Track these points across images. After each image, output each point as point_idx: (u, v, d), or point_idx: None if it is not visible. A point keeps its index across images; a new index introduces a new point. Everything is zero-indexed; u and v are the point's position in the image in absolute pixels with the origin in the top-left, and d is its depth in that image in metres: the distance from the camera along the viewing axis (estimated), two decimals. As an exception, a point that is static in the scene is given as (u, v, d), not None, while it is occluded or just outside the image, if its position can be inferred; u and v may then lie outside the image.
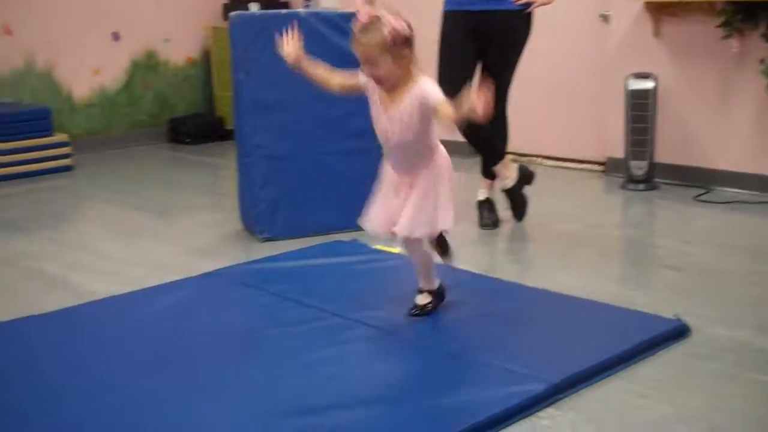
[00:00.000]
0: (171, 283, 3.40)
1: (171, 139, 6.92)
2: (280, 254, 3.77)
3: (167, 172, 5.96)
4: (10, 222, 4.57)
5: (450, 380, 2.52)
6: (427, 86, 2.69)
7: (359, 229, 4.06)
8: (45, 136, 5.73)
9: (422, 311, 3.01)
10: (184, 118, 6.96)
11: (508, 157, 4.25)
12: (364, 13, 2.69)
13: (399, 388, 2.50)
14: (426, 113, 2.70)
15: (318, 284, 3.32)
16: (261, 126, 4.06)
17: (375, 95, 2.81)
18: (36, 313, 3.12)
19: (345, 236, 4.00)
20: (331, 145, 4.13)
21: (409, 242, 2.91)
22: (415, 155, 2.80)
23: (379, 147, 4.03)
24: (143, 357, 2.71)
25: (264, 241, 4.04)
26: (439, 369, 2.61)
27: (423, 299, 3.04)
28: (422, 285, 3.05)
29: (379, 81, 2.72)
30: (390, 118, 2.77)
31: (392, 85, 2.72)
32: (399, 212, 2.83)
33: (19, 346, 2.84)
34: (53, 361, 2.71)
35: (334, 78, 2.88)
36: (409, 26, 2.67)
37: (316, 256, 3.68)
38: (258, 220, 4.10)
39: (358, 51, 2.68)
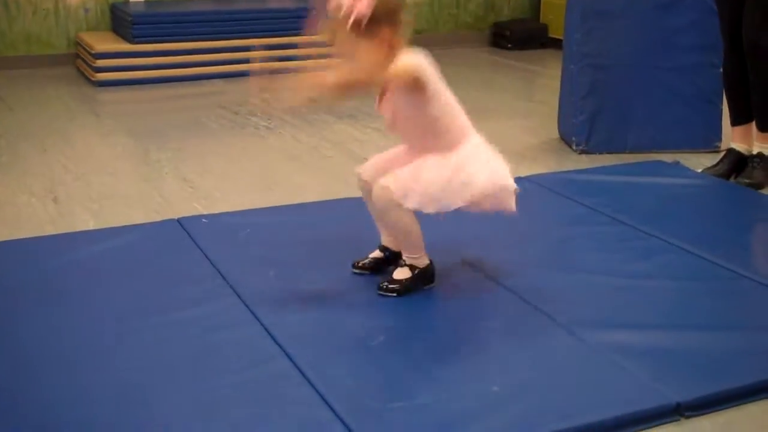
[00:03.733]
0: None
1: (493, 43, 6.91)
2: (597, 167, 3.67)
3: (486, 75, 5.98)
4: (340, 109, 4.81)
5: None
6: (401, 60, 2.24)
7: (685, 150, 3.90)
8: (376, 31, 5.94)
9: (391, 289, 2.40)
10: (508, 23, 6.90)
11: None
12: None
13: (717, 319, 2.35)
14: (410, 95, 2.28)
15: (635, 202, 3.19)
16: (592, 34, 3.93)
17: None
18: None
19: (667, 157, 3.80)
20: (663, 59, 3.91)
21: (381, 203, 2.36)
22: (423, 148, 2.38)
23: (716, 64, 3.78)
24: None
25: (579, 153, 3.95)
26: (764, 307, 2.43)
27: (400, 273, 2.43)
28: (404, 256, 2.45)
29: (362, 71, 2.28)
30: (384, 105, 2.38)
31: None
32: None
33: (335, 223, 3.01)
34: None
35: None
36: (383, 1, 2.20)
37: (635, 173, 3.53)
38: (576, 131, 4.00)
39: (336, 39, 2.27)
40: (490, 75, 5.99)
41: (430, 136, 2.36)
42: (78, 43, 5.68)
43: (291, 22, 5.70)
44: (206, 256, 2.67)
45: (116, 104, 4.99)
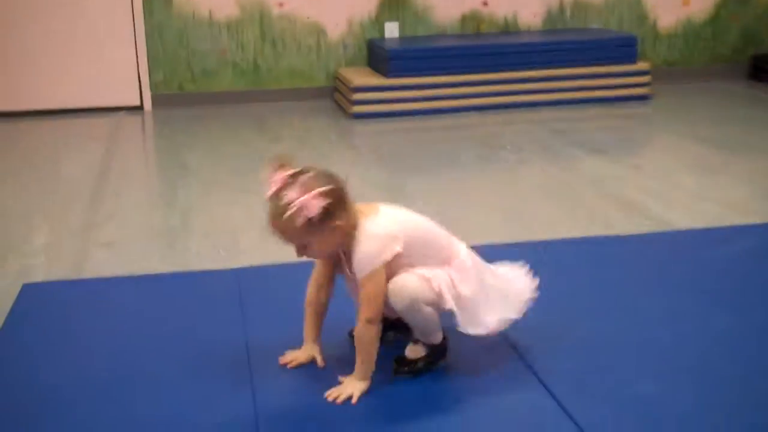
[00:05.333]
0: (750, 226, 3.26)
1: (752, 76, 6.56)
2: None
3: (745, 110, 5.68)
4: (590, 143, 4.76)
5: None
6: (362, 250, 2.06)
7: None
8: (628, 64, 5.83)
9: (410, 369, 2.21)
10: (769, 55, 6.54)
11: None
12: (271, 187, 2.02)
13: None
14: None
15: None
16: None
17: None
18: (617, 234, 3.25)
19: None
20: None
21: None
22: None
23: None
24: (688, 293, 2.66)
25: None
26: None
27: (414, 351, 2.23)
28: (416, 334, 2.24)
29: (320, 258, 2.18)
30: (349, 282, 2.17)
31: (331, 259, 2.16)
32: None
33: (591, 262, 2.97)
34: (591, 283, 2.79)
35: (322, 283, 2.24)
36: (330, 189, 2.01)
37: None
38: None
39: (279, 237, 2.06)
40: (749, 110, 5.69)
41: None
42: (337, 78, 6.00)
43: (529, 57, 5.75)
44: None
45: (372, 136, 5.21)
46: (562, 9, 6.32)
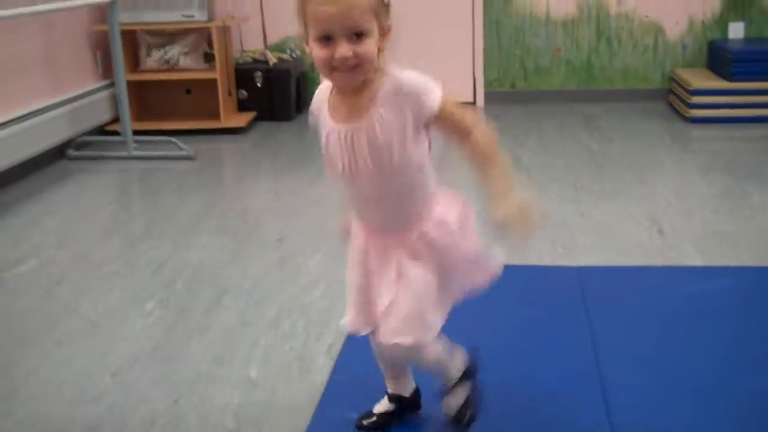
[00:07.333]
0: None
1: None
2: None
3: None
4: None
5: None
6: (407, 74, 1.76)
7: None
8: None
9: (459, 418, 2.01)
10: None
11: None
12: None
13: None
14: (411, 117, 1.72)
15: None
16: None
17: (323, 111, 1.78)
18: None
19: None
20: None
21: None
22: (402, 201, 1.80)
23: None
24: None
25: None
26: None
27: (454, 399, 2.01)
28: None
29: (353, 68, 1.67)
30: (352, 139, 1.72)
31: (356, 83, 1.72)
32: (377, 298, 1.84)
33: None
34: None
35: None
36: None
37: None
38: None
39: (329, 13, 1.62)
40: None
41: (415, 186, 1.81)
42: (672, 79, 5.80)
43: None
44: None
45: (710, 141, 4.98)
46: None
